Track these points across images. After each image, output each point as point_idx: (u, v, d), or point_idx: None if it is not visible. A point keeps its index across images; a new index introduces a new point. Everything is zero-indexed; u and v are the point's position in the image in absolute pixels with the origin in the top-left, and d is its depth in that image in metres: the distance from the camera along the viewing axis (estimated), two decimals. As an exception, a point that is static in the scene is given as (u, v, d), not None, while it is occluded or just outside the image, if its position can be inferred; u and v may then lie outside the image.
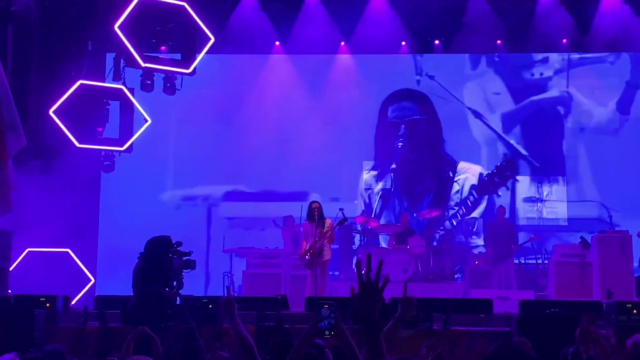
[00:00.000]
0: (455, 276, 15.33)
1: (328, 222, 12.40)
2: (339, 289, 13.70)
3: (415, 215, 16.12)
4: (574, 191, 17.16)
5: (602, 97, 17.31)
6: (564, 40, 16.55)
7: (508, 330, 9.47)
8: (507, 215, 15.46)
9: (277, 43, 17.07)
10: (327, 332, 4.46)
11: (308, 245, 12.27)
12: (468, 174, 17.42)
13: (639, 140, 16.88)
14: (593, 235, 13.71)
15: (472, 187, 17.18)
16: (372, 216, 16.70)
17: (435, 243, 15.48)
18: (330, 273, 13.87)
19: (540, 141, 17.41)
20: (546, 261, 15.26)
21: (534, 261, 15.81)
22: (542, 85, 17.58)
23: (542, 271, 15.12)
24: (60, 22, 14.38)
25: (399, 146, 17.53)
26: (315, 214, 12.23)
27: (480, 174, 17.16)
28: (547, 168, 17.33)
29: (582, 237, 14.30)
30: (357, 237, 15.89)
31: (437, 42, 17.07)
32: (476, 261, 14.84)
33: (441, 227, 16.24)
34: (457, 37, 16.50)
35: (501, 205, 15.46)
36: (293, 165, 17.29)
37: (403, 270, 14.38)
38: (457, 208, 17.12)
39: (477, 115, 17.53)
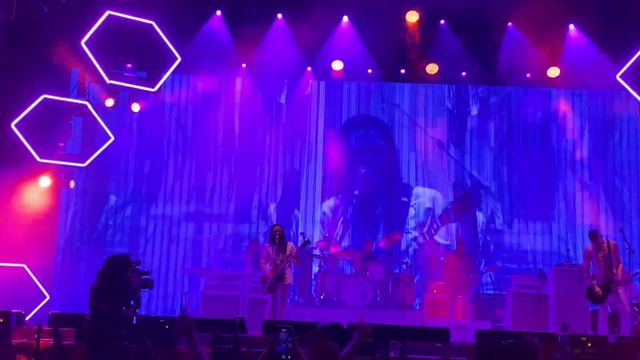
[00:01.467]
0: (414, 304, 15.37)
1: (290, 245, 12.33)
2: (298, 314, 13.67)
3: (377, 243, 16.15)
4: (537, 224, 17.37)
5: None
6: (528, 75, 16.77)
7: (465, 359, 9.51)
8: (467, 246, 15.60)
9: (244, 65, 17.08)
10: (284, 356, 4.46)
11: (270, 269, 12.14)
12: (423, 198, 17.57)
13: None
14: (550, 268, 13.84)
15: (434, 215, 17.34)
16: (333, 241, 16.70)
17: (396, 270, 15.53)
18: (290, 297, 13.85)
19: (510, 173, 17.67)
20: (504, 292, 15.36)
21: (491, 292, 15.89)
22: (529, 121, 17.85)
23: (500, 302, 15.21)
24: (25, 36, 14.26)
25: (362, 172, 17.63)
26: (276, 237, 12.17)
27: (445, 206, 17.35)
28: (511, 200, 17.53)
29: (539, 270, 14.43)
30: (317, 263, 15.86)
31: (403, 71, 17.20)
32: (434, 290, 14.90)
33: (406, 259, 16.31)
34: (424, 66, 16.65)
35: (461, 239, 15.55)
36: (256, 188, 17.32)
37: (361, 296, 14.39)
38: (416, 234, 17.30)
39: (440, 144, 17.70)
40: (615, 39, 15.17)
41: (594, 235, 12.49)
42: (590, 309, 13.08)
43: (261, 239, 16.08)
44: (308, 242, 12.86)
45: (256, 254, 15.13)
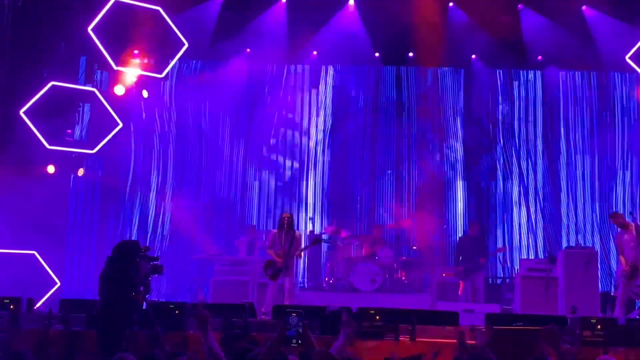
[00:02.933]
0: (423, 288, 15.36)
1: (297, 234, 12.31)
2: (307, 298, 13.71)
3: (387, 225, 16.12)
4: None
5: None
6: (539, 57, 16.63)
7: (474, 343, 9.50)
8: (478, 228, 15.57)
9: (248, 50, 17.01)
10: (294, 340, 4.46)
11: (274, 255, 12.13)
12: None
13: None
14: (559, 251, 13.81)
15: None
16: (342, 226, 16.67)
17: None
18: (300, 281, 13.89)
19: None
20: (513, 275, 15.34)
21: (501, 277, 15.88)
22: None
23: (509, 285, 15.20)
24: (33, 23, 14.26)
25: (371, 156, 17.59)
26: (284, 224, 12.16)
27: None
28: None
29: (548, 252, 14.40)
30: (326, 247, 15.86)
31: (411, 54, 17.14)
32: (444, 274, 14.89)
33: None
34: (433, 50, 16.56)
35: (473, 220, 15.49)
36: (265, 173, 17.34)
37: (371, 280, 14.40)
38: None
39: (450, 128, 17.63)
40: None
41: (613, 216, 12.49)
42: (600, 292, 13.09)
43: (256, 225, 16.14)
44: (320, 240, 12.85)
45: (252, 240, 15.17)
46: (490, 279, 15.58)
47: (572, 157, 17.14)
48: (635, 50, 14.38)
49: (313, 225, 16.15)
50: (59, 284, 14.11)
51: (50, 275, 13.97)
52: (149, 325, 8.68)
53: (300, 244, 12.30)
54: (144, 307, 8.76)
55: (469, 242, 14.95)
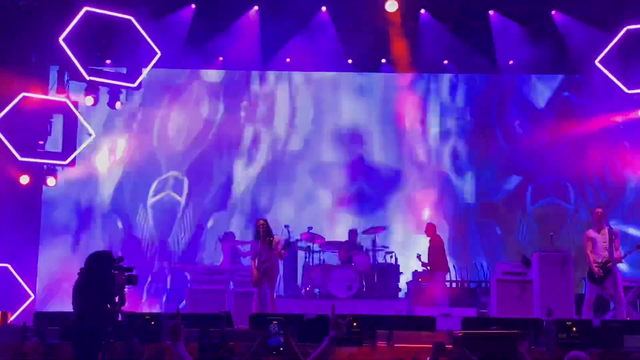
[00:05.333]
0: (400, 293, 15.36)
1: (276, 238, 12.26)
2: (284, 306, 13.67)
3: (361, 232, 16.09)
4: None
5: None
6: (511, 62, 16.70)
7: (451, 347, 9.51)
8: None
9: (221, 59, 16.97)
10: (276, 349, 4.43)
11: (256, 263, 12.09)
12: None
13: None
14: (534, 254, 13.87)
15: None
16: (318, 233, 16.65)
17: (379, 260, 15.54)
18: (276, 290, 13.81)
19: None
20: (488, 279, 15.39)
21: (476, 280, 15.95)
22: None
23: (484, 289, 15.25)
24: (3, 34, 14.14)
25: (348, 163, 17.67)
26: (260, 231, 12.14)
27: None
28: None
29: (523, 256, 14.44)
30: (303, 254, 15.81)
31: (383, 60, 17.17)
32: (420, 279, 14.92)
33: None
34: (407, 55, 16.60)
35: (430, 223, 15.49)
36: (241, 181, 17.31)
37: (348, 287, 14.40)
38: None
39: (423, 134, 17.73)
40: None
41: (603, 211, 12.57)
42: (575, 294, 13.16)
43: (235, 232, 16.12)
44: (289, 244, 12.82)
45: (233, 246, 15.13)
46: (464, 282, 15.65)
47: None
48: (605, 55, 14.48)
49: (289, 233, 16.07)
50: (33, 296, 13.97)
51: (23, 288, 13.83)
52: (125, 337, 8.61)
53: (280, 246, 12.24)
54: (119, 318, 8.68)
55: (432, 244, 15.07)
